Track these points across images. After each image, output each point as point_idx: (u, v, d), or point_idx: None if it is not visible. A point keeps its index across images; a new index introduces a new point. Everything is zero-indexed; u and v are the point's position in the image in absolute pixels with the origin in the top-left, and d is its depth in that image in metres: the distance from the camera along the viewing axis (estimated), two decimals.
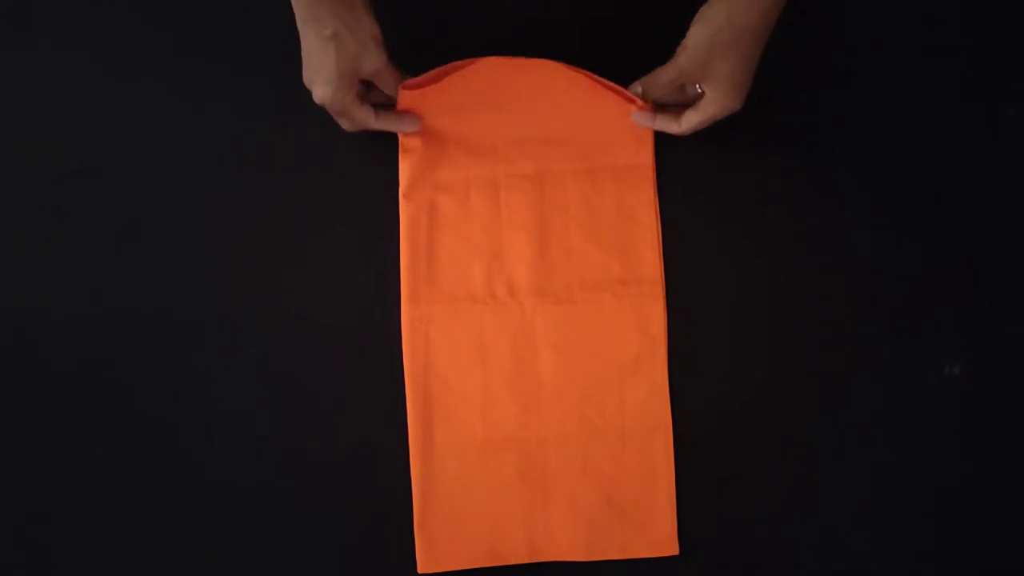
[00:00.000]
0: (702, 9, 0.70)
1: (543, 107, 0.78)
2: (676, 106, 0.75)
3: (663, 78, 0.74)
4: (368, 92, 0.75)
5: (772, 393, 0.77)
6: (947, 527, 0.76)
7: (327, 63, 0.70)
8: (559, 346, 0.78)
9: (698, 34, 0.70)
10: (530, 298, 0.78)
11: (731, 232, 0.79)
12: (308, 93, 0.72)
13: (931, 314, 0.78)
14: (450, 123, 0.79)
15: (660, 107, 0.76)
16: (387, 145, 0.78)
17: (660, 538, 0.76)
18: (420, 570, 0.75)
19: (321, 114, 0.75)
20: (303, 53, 0.72)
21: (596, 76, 0.75)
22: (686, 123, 0.74)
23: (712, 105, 0.72)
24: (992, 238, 0.79)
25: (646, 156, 0.79)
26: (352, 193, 0.79)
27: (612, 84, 0.75)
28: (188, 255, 0.79)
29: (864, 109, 0.80)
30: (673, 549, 0.76)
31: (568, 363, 0.77)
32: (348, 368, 0.78)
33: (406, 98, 0.76)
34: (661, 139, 0.78)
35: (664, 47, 0.72)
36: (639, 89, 0.75)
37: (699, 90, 0.73)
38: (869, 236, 0.79)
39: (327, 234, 0.79)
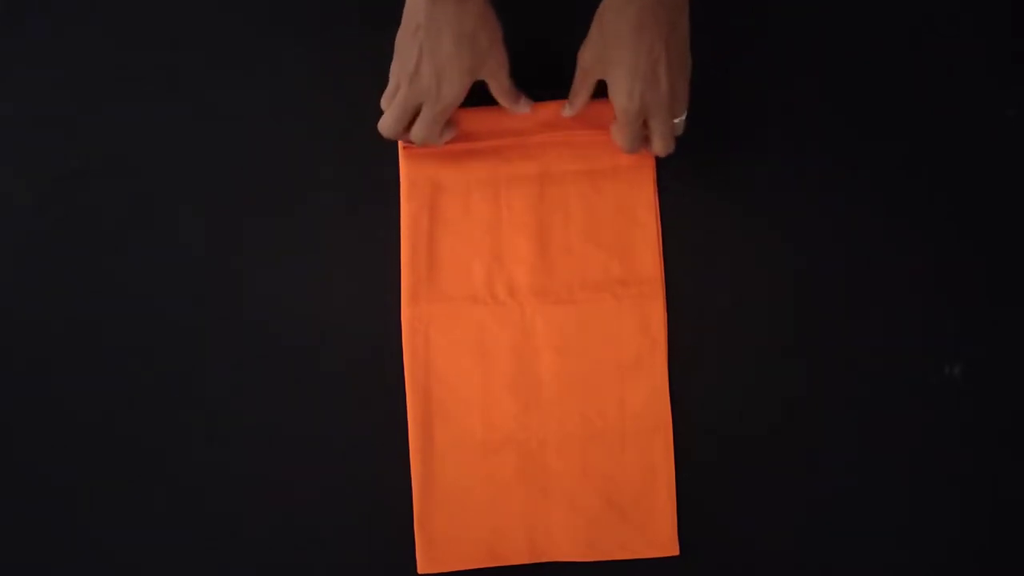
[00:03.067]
0: (601, 4, 0.70)
1: (544, 109, 0.78)
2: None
3: (575, 84, 0.75)
4: None
5: (772, 393, 0.77)
6: (947, 527, 0.76)
7: (461, 58, 0.70)
8: (559, 346, 0.78)
9: (593, 30, 0.71)
10: (530, 298, 0.78)
11: (731, 232, 0.79)
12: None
13: (931, 314, 0.78)
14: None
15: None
16: (388, 145, 0.78)
17: (660, 538, 0.76)
18: (420, 570, 0.75)
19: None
20: (427, 51, 0.70)
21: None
22: (615, 135, 0.74)
23: (614, 99, 0.71)
24: (992, 238, 0.79)
25: (646, 156, 0.79)
26: (352, 193, 0.79)
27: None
28: (188, 255, 0.79)
29: (864, 109, 0.80)
30: (673, 549, 0.76)
31: (568, 363, 0.77)
32: (348, 368, 0.78)
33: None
34: None
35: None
36: (567, 110, 0.76)
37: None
38: (869, 236, 0.79)
39: (327, 234, 0.79)
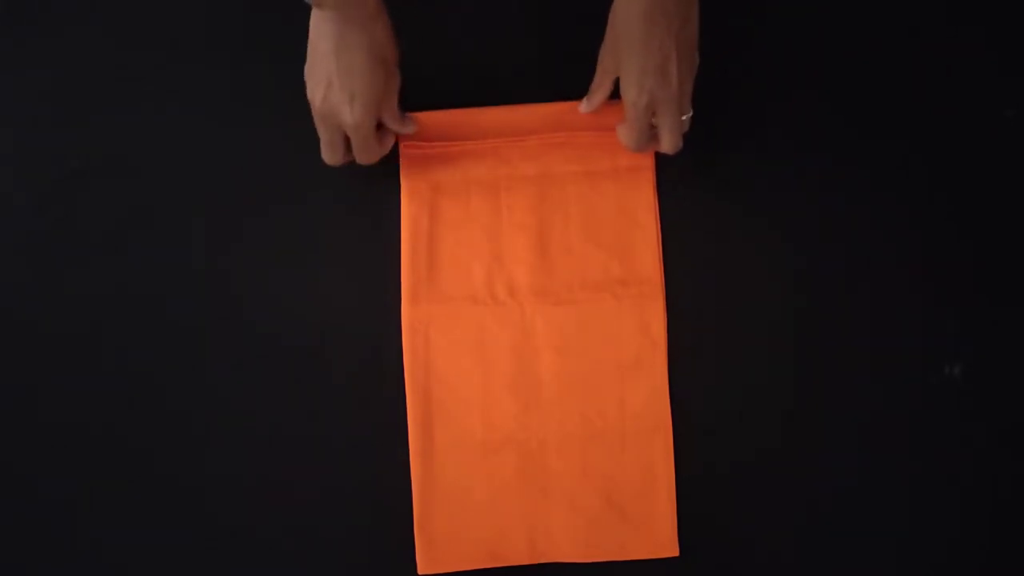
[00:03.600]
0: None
1: (544, 110, 0.79)
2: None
3: (594, 81, 0.75)
4: None
5: (772, 393, 0.77)
6: (947, 527, 0.76)
7: (375, 83, 0.70)
8: (559, 347, 0.78)
9: (608, 27, 0.71)
10: (530, 299, 0.78)
11: (731, 233, 0.79)
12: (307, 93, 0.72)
13: (931, 314, 0.78)
14: (451, 125, 0.79)
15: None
16: None
17: (660, 539, 0.76)
18: (420, 571, 0.75)
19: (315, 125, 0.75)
20: (337, 74, 0.70)
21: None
22: (623, 135, 0.74)
23: (625, 94, 0.72)
24: (992, 238, 0.79)
25: (646, 158, 0.79)
26: (352, 193, 0.79)
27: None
28: (187, 255, 0.79)
29: (863, 109, 0.80)
30: (673, 550, 0.76)
31: (568, 364, 0.77)
32: (348, 368, 0.78)
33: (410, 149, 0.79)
34: None
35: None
36: (583, 105, 0.77)
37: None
38: (869, 236, 0.79)
39: (327, 234, 0.79)
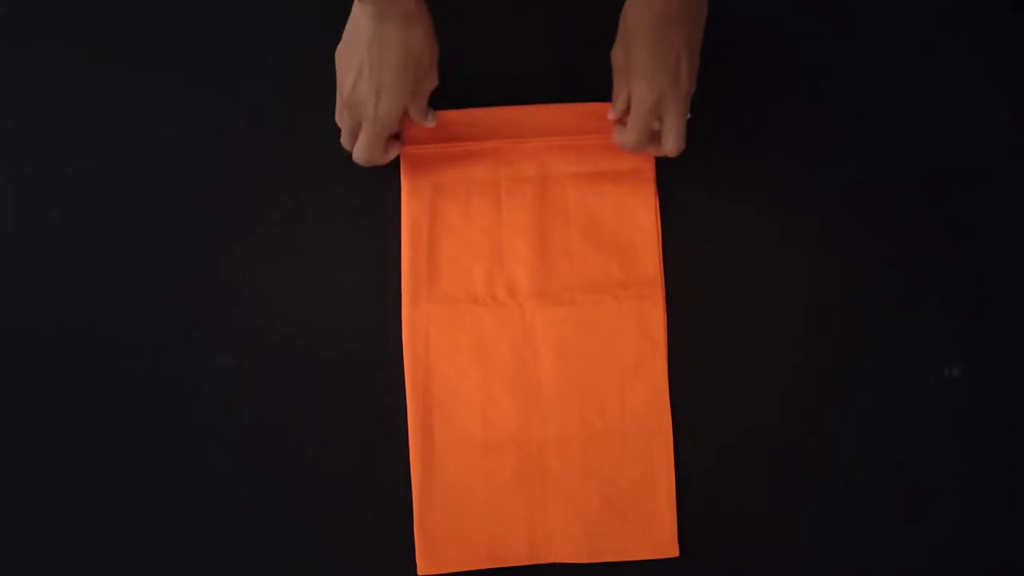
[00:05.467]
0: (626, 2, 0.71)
1: (544, 111, 0.79)
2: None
3: (614, 87, 0.75)
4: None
5: (772, 394, 0.77)
6: (947, 527, 0.76)
7: (405, 80, 0.70)
8: (559, 348, 0.78)
9: (619, 29, 0.72)
10: (530, 300, 0.78)
11: (731, 234, 0.79)
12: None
13: (931, 314, 0.78)
14: (452, 126, 0.79)
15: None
16: None
17: (660, 540, 0.76)
18: (420, 572, 0.75)
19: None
20: (368, 67, 0.70)
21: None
22: (624, 134, 0.74)
23: (631, 96, 0.72)
24: (990, 239, 0.79)
25: (647, 160, 0.80)
26: (353, 194, 0.80)
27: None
28: (188, 257, 0.79)
29: (861, 113, 0.81)
30: (673, 551, 0.75)
31: (568, 365, 0.77)
32: (348, 368, 0.78)
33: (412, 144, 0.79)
34: None
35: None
36: (611, 112, 0.77)
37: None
38: (868, 237, 0.79)
39: (327, 235, 0.79)
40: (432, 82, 0.73)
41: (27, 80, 0.82)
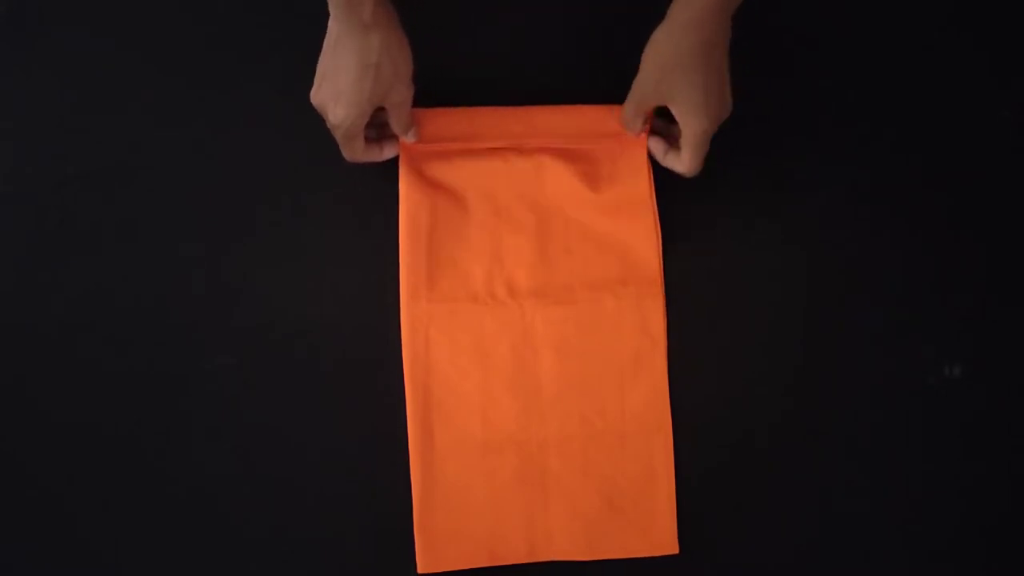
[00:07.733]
0: (652, 35, 0.70)
1: (544, 112, 0.79)
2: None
3: (627, 112, 0.75)
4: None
5: (772, 394, 0.78)
6: (947, 527, 0.76)
7: (361, 88, 0.70)
8: (559, 347, 0.78)
9: (646, 60, 0.70)
10: (530, 299, 0.78)
11: (731, 233, 0.79)
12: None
13: (931, 314, 0.78)
14: (451, 125, 0.79)
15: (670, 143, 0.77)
16: None
17: (660, 539, 0.76)
18: (420, 570, 0.75)
19: (321, 116, 0.75)
20: (330, 71, 0.70)
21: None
22: (684, 162, 0.74)
23: (686, 129, 0.71)
24: (991, 239, 0.79)
25: (645, 159, 0.79)
26: (353, 194, 0.80)
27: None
28: (187, 258, 0.79)
29: (861, 111, 0.81)
30: (673, 548, 0.76)
31: (568, 364, 0.77)
32: (348, 368, 0.78)
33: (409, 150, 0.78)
34: None
35: None
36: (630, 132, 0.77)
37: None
38: (868, 237, 0.79)
39: (327, 234, 0.79)
40: (400, 95, 0.72)
41: (27, 80, 0.82)
